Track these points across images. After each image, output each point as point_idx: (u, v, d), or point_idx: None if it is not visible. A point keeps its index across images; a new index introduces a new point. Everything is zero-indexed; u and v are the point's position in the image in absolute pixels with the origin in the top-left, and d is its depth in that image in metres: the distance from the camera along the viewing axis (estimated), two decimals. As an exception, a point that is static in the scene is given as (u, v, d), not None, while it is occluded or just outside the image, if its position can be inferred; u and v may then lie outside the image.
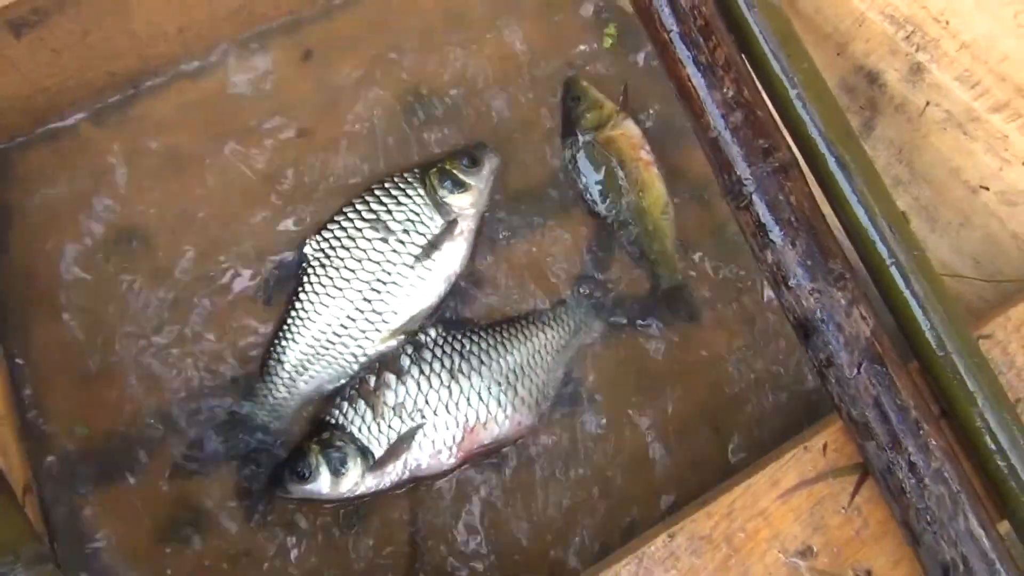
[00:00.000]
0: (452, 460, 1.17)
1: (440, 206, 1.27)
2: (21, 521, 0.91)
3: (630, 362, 1.27)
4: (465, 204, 1.28)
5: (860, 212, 0.98)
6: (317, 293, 1.22)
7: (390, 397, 1.17)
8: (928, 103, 1.11)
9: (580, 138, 1.33)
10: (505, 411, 1.19)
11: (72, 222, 1.29)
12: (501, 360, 1.21)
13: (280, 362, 1.21)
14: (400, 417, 1.16)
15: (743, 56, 1.02)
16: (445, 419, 1.16)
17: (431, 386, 1.17)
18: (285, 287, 1.24)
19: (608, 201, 1.31)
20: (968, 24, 1.01)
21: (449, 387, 1.18)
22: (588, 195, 1.33)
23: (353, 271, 1.23)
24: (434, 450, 1.16)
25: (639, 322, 1.29)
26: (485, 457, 1.20)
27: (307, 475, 1.12)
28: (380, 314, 1.22)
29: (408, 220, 1.26)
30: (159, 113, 1.36)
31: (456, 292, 1.28)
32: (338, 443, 1.14)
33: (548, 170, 1.38)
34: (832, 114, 1.01)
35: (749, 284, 1.32)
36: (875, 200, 0.97)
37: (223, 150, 1.34)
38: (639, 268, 1.32)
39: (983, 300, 1.17)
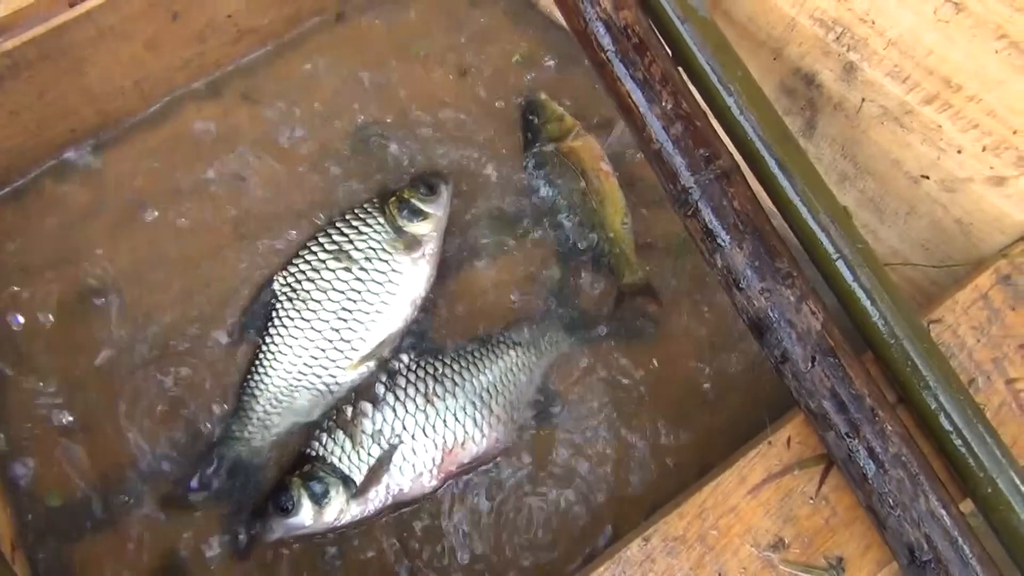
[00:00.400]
0: (433, 482, 1.19)
1: (401, 234, 1.29)
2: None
3: (601, 371, 1.29)
4: (425, 231, 1.31)
5: (804, 211, 1.01)
6: (286, 326, 1.25)
7: (367, 425, 1.18)
8: (864, 100, 1.14)
9: (542, 148, 1.36)
10: (482, 430, 1.21)
11: (40, 278, 1.30)
12: (474, 380, 1.23)
13: (255, 397, 1.23)
14: (379, 444, 1.17)
15: (679, 69, 1.05)
16: (423, 442, 1.18)
17: (407, 411, 1.19)
18: (256, 325, 1.26)
19: (569, 210, 1.34)
20: (893, 22, 1.04)
21: (425, 410, 1.20)
22: (549, 204, 1.36)
23: (319, 302, 1.25)
24: (415, 473, 1.18)
25: (603, 330, 1.31)
26: (465, 475, 1.21)
27: (290, 508, 1.14)
28: (349, 342, 1.24)
29: (370, 248, 1.28)
30: (121, 165, 1.38)
31: (424, 315, 1.30)
32: (319, 474, 1.16)
33: (509, 191, 1.41)
34: (769, 118, 1.04)
35: (711, 285, 1.35)
36: (817, 198, 1.00)
37: (185, 196, 1.37)
38: (600, 272, 1.34)
39: (935, 285, 1.21)
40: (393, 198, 1.31)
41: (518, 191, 1.40)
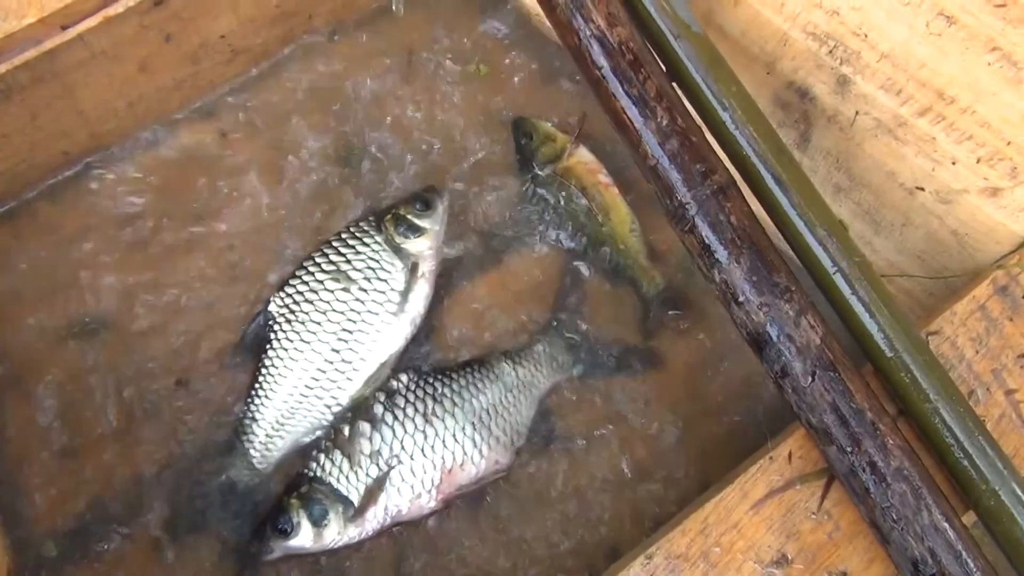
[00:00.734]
0: (432, 503, 1.18)
1: (398, 251, 1.29)
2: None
3: (598, 386, 1.29)
4: (423, 248, 1.30)
5: (800, 224, 1.01)
6: (285, 349, 1.24)
7: (366, 445, 1.18)
8: (858, 112, 1.15)
9: (539, 172, 1.36)
10: (481, 451, 1.20)
11: (36, 304, 1.29)
12: (474, 400, 1.22)
13: (256, 420, 1.22)
14: (377, 464, 1.17)
15: (674, 85, 1.06)
16: (422, 462, 1.18)
17: (406, 431, 1.19)
18: (254, 349, 1.25)
19: (575, 230, 1.35)
20: (885, 35, 1.05)
21: (424, 431, 1.19)
22: (554, 227, 1.36)
23: (318, 323, 1.24)
24: (413, 494, 1.17)
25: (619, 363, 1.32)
26: (464, 496, 1.21)
27: (289, 530, 1.13)
28: (350, 363, 1.24)
29: (368, 268, 1.27)
30: (116, 186, 1.37)
31: (424, 334, 1.30)
32: (317, 495, 1.15)
33: (511, 207, 1.40)
34: (764, 132, 1.04)
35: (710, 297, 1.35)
36: (813, 211, 1.00)
37: (181, 218, 1.36)
38: (620, 288, 1.34)
39: (932, 296, 1.21)
40: (389, 215, 1.31)
41: (519, 207, 1.40)
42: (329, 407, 1.23)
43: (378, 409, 1.21)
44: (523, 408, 1.26)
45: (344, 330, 1.24)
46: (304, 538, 1.13)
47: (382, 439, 1.18)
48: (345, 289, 1.26)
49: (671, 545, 0.93)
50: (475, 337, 1.32)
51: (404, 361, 1.28)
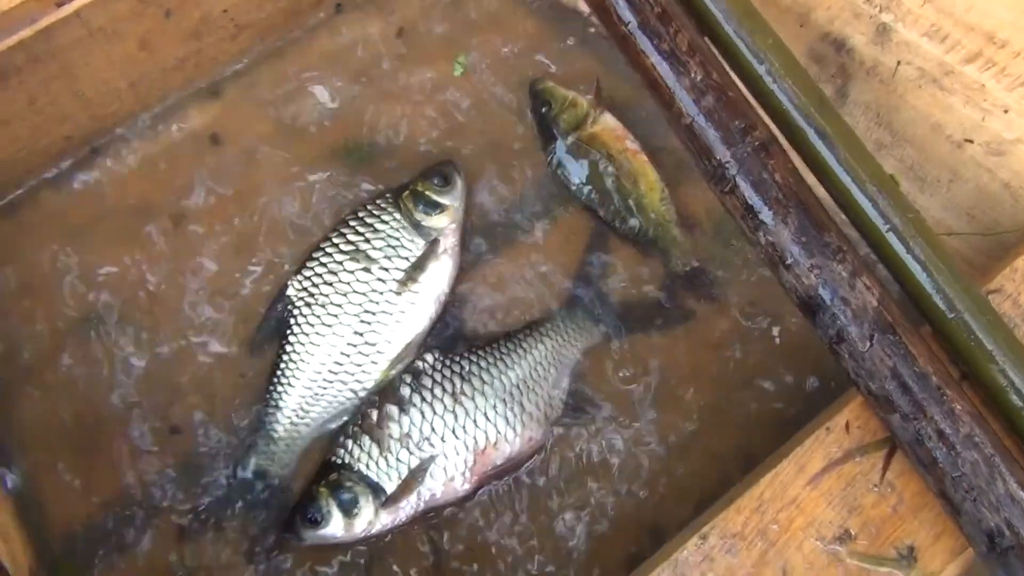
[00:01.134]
0: (467, 486, 1.13)
1: (418, 228, 1.24)
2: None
3: (638, 362, 1.24)
4: (443, 224, 1.25)
5: (848, 181, 0.95)
6: (306, 334, 1.19)
7: (395, 429, 1.13)
8: (899, 63, 1.09)
9: (562, 141, 1.30)
10: (514, 428, 1.16)
11: (46, 295, 1.25)
12: (503, 377, 1.18)
13: (279, 408, 1.17)
14: (407, 448, 1.12)
15: (706, 39, 1.00)
16: (454, 444, 1.13)
17: (435, 412, 1.14)
18: (272, 335, 1.21)
19: (604, 199, 1.28)
20: (930, -23, 0.99)
21: (454, 411, 1.14)
22: (582, 197, 1.30)
23: (339, 306, 1.20)
24: (447, 477, 1.12)
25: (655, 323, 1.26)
26: (500, 478, 1.16)
27: (319, 520, 1.09)
28: (374, 345, 1.19)
29: (388, 246, 1.23)
30: (121, 171, 1.32)
31: (448, 312, 1.25)
32: (347, 483, 1.10)
33: (531, 178, 1.35)
34: (805, 85, 0.98)
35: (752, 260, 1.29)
36: (861, 167, 0.94)
37: (190, 203, 1.31)
38: (651, 258, 1.29)
39: (983, 254, 1.15)
40: (407, 192, 1.26)
41: (540, 178, 1.34)
42: (354, 392, 1.19)
43: (405, 391, 1.16)
44: (555, 381, 1.21)
45: (366, 311, 1.19)
46: (335, 527, 1.09)
47: (411, 422, 1.13)
48: (365, 269, 1.21)
49: (726, 524, 0.88)
50: (501, 312, 1.26)
51: (429, 340, 1.23)
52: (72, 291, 1.25)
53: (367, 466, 1.12)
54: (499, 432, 1.15)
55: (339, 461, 1.12)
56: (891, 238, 0.93)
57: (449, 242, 1.25)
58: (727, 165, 0.94)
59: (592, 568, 1.14)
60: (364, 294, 1.20)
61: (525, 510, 1.16)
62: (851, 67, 1.16)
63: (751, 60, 0.99)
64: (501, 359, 1.19)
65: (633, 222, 1.27)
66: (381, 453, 1.12)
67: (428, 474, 1.11)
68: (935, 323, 0.91)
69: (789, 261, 0.91)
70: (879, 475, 0.89)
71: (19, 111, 1.20)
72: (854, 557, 0.87)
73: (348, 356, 1.18)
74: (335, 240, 1.23)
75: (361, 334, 1.19)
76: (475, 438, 1.14)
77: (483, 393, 1.16)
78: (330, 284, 1.20)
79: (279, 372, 1.19)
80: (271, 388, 1.18)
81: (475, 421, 1.14)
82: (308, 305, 1.20)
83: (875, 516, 0.88)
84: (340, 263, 1.21)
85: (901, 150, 1.17)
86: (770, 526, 0.88)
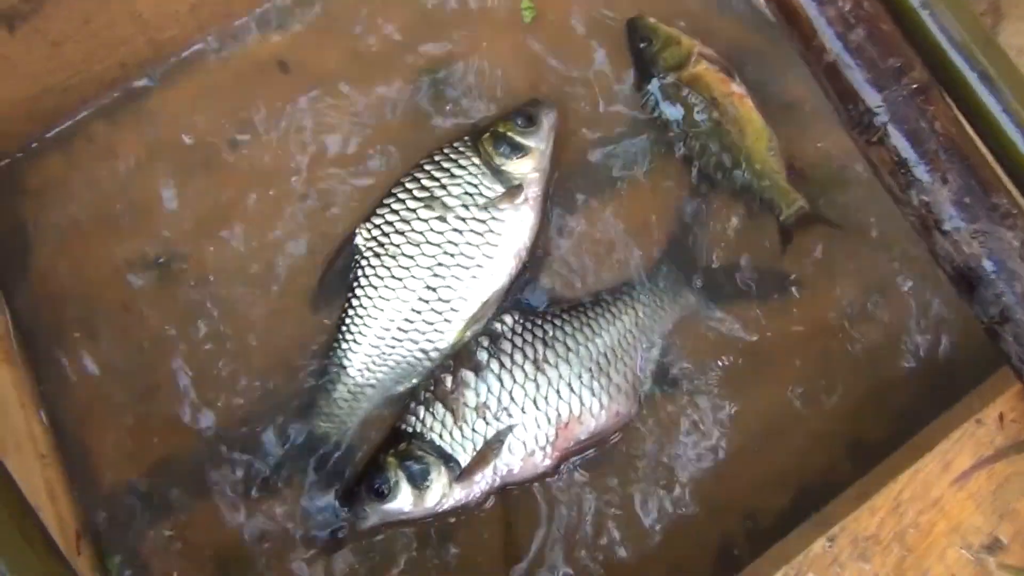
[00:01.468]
0: (548, 461, 1.04)
1: (499, 174, 1.13)
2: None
3: (735, 333, 1.13)
4: (527, 169, 1.14)
5: (1017, 136, 0.82)
6: (375, 287, 1.10)
7: (471, 397, 1.04)
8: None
9: (661, 82, 1.17)
10: (600, 401, 1.06)
11: (97, 237, 1.17)
12: (589, 344, 1.08)
13: (343, 367, 1.09)
14: (484, 419, 1.03)
15: (856, -39, 0.86)
16: (535, 416, 1.04)
17: (515, 381, 1.05)
18: (338, 287, 1.12)
19: (703, 148, 1.16)
20: None
21: (535, 380, 1.05)
22: (680, 145, 1.18)
23: (412, 257, 1.10)
24: (526, 452, 1.03)
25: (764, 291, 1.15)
26: (582, 453, 1.06)
27: (387, 492, 1.01)
28: (448, 302, 1.09)
29: (466, 194, 1.13)
30: (179, 103, 1.23)
31: (529, 270, 1.14)
32: (418, 453, 1.02)
33: (624, 123, 1.22)
34: (967, 21, 0.85)
35: (870, 222, 1.16)
36: (1035, 117, 0.81)
37: (253, 137, 1.21)
38: (756, 217, 1.16)
39: None
40: (487, 134, 1.15)
41: (634, 122, 1.21)
42: (425, 352, 1.10)
43: (482, 356, 1.07)
44: (645, 351, 1.11)
45: (440, 264, 1.10)
46: (403, 501, 1.01)
47: (489, 390, 1.04)
48: (440, 218, 1.11)
49: (857, 525, 0.78)
50: (589, 272, 1.16)
51: (508, 300, 1.13)
52: (129, 234, 1.18)
53: (440, 436, 1.03)
54: (584, 405, 1.05)
55: (409, 429, 1.04)
56: (1068, 202, 0.80)
57: (532, 191, 1.14)
58: (876, 111, 0.81)
59: (675, 556, 1.05)
60: (438, 245, 1.10)
61: (605, 489, 1.07)
62: (1003, 4, 1.02)
63: (901, -12, 0.86)
64: (587, 324, 1.09)
65: (736, 174, 1.15)
66: (455, 423, 1.03)
67: (506, 447, 1.02)
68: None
69: (946, 226, 0.79)
70: (1040, 477, 0.78)
71: (72, 32, 1.11)
72: (1004, 570, 0.77)
73: (419, 313, 1.09)
74: (408, 185, 1.13)
75: (434, 289, 1.09)
76: (558, 410, 1.04)
77: (567, 361, 1.06)
78: (401, 233, 1.11)
79: (344, 328, 1.10)
80: (335, 345, 1.10)
81: (558, 392, 1.05)
82: (377, 256, 1.11)
83: (1033, 524, 0.77)
84: (413, 210, 1.11)
85: (1058, 102, 1.03)
86: (908, 530, 0.79)
